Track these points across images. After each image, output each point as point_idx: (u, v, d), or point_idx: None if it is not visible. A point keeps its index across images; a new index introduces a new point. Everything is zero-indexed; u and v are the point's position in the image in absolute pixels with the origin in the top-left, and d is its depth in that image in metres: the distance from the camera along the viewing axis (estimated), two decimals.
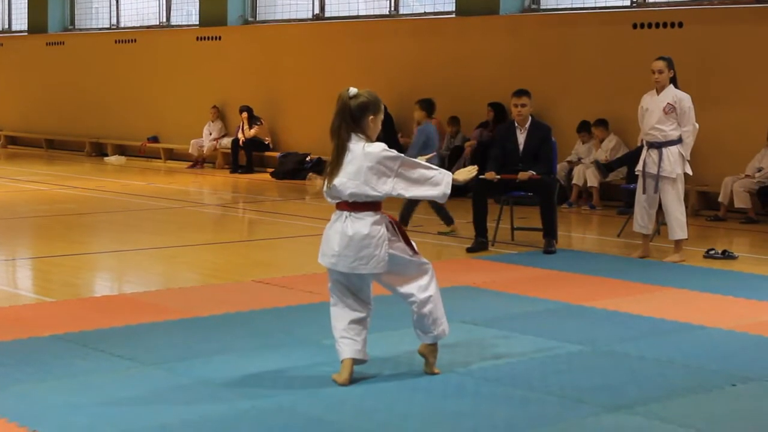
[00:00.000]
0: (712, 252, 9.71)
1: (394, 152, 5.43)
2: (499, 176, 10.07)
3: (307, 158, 16.98)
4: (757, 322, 7.00)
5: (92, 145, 21.60)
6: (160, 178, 17.35)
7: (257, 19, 19.31)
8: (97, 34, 22.29)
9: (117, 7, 22.22)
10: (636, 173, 9.74)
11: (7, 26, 25.18)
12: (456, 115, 15.22)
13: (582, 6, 14.79)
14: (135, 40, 21.12)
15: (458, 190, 6.45)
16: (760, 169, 12.33)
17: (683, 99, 9.36)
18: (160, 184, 16.21)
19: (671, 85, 9.42)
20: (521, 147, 10.23)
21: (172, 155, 20.19)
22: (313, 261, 5.97)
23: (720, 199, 12.46)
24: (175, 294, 7.87)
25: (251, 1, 19.28)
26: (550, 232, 9.95)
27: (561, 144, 12.29)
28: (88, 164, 19.72)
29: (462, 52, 15.48)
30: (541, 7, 15.11)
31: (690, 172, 9.54)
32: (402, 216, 10.44)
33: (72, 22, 23.25)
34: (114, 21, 22.29)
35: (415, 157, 5.67)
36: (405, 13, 17.12)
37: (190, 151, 19.01)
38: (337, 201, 5.49)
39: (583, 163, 13.73)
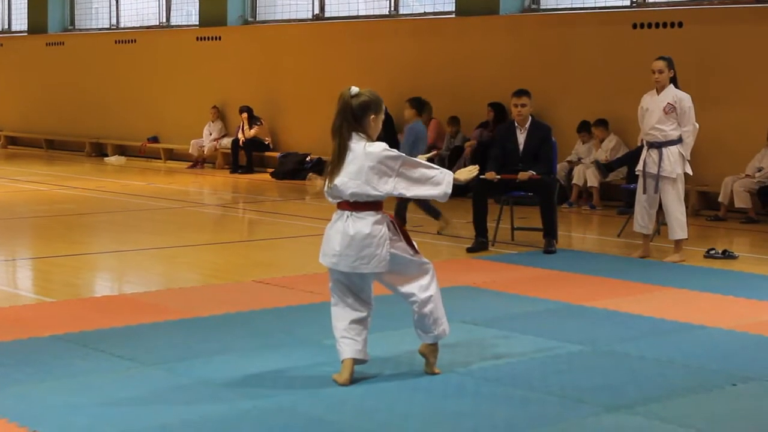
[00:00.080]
0: (713, 252, 9.71)
1: (395, 152, 5.43)
2: (499, 176, 10.07)
3: (307, 158, 16.98)
4: (757, 322, 7.00)
5: (92, 146, 21.59)
6: (160, 178, 17.34)
7: (257, 19, 19.30)
8: (97, 35, 22.28)
9: (117, 8, 22.21)
10: (636, 173, 9.74)
11: (7, 26, 25.17)
12: (456, 115, 15.22)
13: (582, 6, 14.78)
14: (135, 41, 21.12)
15: (458, 190, 6.44)
16: (760, 169, 12.33)
17: (683, 99, 9.36)
18: (160, 184, 16.20)
19: (671, 85, 9.42)
20: (521, 147, 10.24)
21: (172, 155, 20.19)
22: (314, 261, 5.97)
23: (720, 199, 12.46)
24: (175, 294, 7.86)
25: (251, 1, 19.27)
26: (550, 232, 9.95)
27: (561, 144, 12.28)
28: (88, 164, 19.71)
29: (462, 52, 15.48)
30: (541, 7, 15.11)
31: (690, 172, 9.54)
32: (396, 214, 10.43)
33: (72, 23, 23.24)
34: (114, 21, 22.28)
35: None
36: (405, 13, 17.11)
37: (190, 151, 19.01)
38: (338, 201, 5.48)
39: (583, 163, 13.73)
